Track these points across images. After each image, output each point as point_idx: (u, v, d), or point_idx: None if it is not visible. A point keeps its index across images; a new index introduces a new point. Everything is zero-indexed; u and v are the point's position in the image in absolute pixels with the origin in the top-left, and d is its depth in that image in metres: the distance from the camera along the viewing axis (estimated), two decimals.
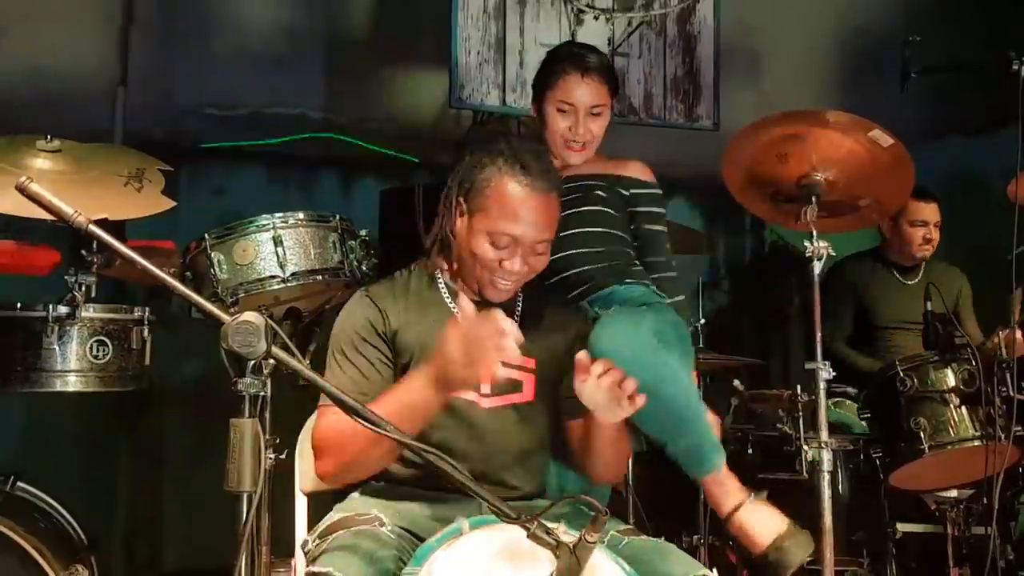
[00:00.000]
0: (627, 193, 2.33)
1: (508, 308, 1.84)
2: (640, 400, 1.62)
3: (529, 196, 1.72)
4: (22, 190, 1.27)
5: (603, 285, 2.21)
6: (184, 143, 3.70)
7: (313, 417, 1.76)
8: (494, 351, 1.49)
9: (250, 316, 1.23)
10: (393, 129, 4.05)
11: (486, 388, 1.77)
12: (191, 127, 3.80)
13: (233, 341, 1.22)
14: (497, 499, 1.42)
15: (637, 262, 2.31)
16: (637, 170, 2.36)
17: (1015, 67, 2.32)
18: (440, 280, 1.85)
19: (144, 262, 1.28)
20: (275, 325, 1.26)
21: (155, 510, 3.58)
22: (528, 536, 1.41)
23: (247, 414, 1.25)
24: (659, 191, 2.37)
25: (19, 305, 2.19)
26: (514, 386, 1.80)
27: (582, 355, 1.64)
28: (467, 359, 1.51)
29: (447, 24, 3.57)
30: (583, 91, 2.25)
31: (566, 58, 2.32)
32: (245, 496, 1.24)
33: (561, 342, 1.87)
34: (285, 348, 1.30)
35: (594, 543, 1.42)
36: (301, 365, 1.34)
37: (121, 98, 3.67)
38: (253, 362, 1.25)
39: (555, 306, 1.94)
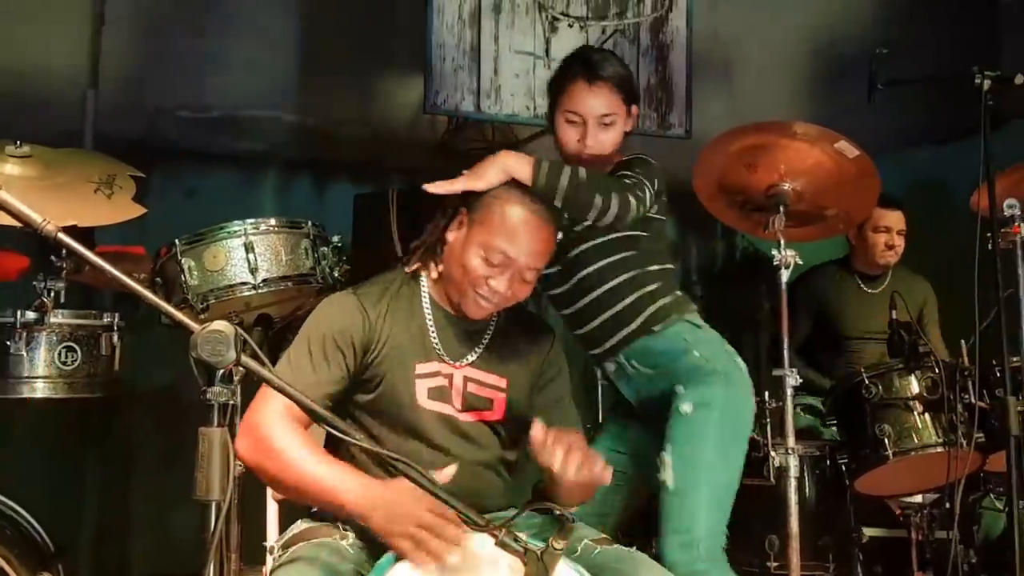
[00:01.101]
0: None
1: (482, 325, 1.83)
2: (607, 476, 1.57)
3: (531, 219, 1.72)
4: None
5: (633, 336, 2.11)
6: (156, 146, 3.68)
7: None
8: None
9: (219, 325, 1.22)
10: (367, 133, 4.05)
11: (458, 403, 1.76)
12: (163, 130, 3.77)
13: (202, 350, 1.21)
14: (465, 506, 1.43)
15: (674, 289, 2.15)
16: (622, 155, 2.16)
17: (977, 81, 2.35)
18: (424, 289, 1.81)
19: (114, 271, 1.28)
20: (244, 334, 1.26)
21: (123, 516, 3.55)
22: (496, 544, 1.42)
23: (216, 423, 1.25)
24: (634, 157, 2.13)
25: None
26: (485, 403, 1.79)
27: (537, 431, 1.55)
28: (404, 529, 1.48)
29: (422, 30, 3.58)
30: (591, 100, 2.10)
31: (574, 65, 2.17)
32: (214, 505, 1.24)
33: (533, 361, 1.86)
34: (255, 356, 1.30)
35: (561, 550, 1.44)
36: (271, 374, 1.35)
37: (92, 100, 3.64)
38: (222, 371, 1.25)
39: (526, 324, 1.92)
